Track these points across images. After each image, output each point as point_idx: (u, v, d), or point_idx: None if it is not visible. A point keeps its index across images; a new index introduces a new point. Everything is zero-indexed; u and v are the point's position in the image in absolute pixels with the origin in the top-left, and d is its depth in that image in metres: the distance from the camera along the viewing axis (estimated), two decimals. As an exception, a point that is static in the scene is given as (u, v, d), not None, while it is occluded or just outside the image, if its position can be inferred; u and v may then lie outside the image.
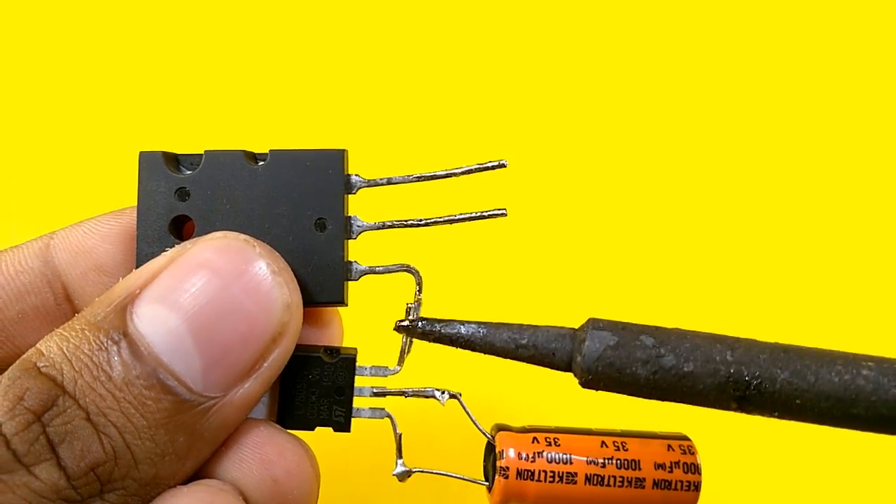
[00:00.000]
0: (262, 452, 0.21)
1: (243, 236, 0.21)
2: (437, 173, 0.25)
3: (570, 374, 0.24)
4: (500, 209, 0.25)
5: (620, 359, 0.23)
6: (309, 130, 0.42)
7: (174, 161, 0.25)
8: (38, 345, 0.18)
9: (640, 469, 0.24)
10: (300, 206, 0.24)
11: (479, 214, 0.25)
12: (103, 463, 0.17)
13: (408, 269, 0.26)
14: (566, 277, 0.39)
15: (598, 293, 0.38)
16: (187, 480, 0.21)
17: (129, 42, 0.44)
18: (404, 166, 0.31)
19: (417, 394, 0.26)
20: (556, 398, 0.33)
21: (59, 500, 0.17)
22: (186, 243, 0.21)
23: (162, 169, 0.24)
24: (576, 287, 0.38)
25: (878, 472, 0.31)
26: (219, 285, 0.19)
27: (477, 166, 0.25)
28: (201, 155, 0.25)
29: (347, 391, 0.25)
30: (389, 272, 0.26)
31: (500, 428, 0.25)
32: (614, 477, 0.24)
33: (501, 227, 0.32)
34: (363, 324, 0.30)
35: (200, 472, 0.22)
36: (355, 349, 0.26)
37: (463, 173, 0.25)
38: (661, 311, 0.37)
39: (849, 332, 0.35)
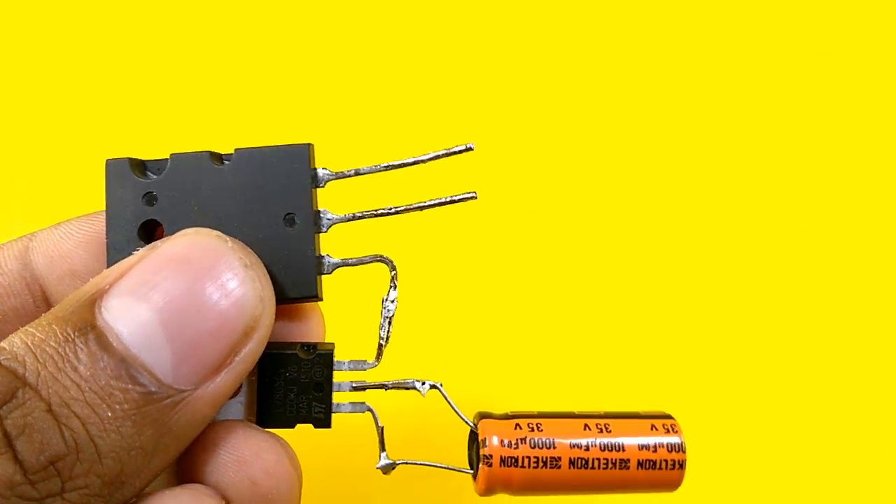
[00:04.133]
0: (238, 453, 0.21)
1: (215, 232, 0.21)
2: (405, 161, 0.25)
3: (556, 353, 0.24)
4: (470, 193, 0.24)
5: None
6: (277, 127, 0.42)
7: (140, 167, 0.25)
8: (2, 342, 0.18)
9: (623, 450, 0.24)
10: (268, 203, 0.24)
11: (449, 199, 0.25)
12: (64, 456, 0.17)
13: (381, 259, 0.25)
14: (539, 258, 0.38)
15: (571, 276, 0.38)
16: (163, 484, 0.20)
17: (111, 45, 0.44)
18: (373, 157, 0.31)
19: (397, 386, 0.25)
20: (538, 383, 0.33)
21: (14, 496, 0.16)
22: (157, 242, 0.20)
23: (129, 175, 0.24)
24: (548, 268, 0.38)
25: (865, 458, 0.31)
26: (190, 278, 0.18)
27: (444, 151, 0.24)
28: (167, 159, 0.24)
29: (326, 387, 0.25)
30: (363, 263, 0.25)
31: (483, 416, 0.25)
32: (598, 459, 0.24)
33: (474, 212, 0.32)
34: (340, 317, 0.30)
35: (181, 478, 0.22)
36: (332, 344, 0.26)
37: (431, 159, 0.25)
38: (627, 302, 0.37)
39: (850, 336, 0.34)
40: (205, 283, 0.19)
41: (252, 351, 0.20)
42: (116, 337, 0.17)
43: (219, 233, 0.20)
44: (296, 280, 0.24)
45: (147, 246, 0.20)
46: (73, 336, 0.17)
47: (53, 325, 0.17)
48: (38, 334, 0.17)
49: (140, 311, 0.18)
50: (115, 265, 0.19)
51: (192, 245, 0.19)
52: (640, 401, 0.29)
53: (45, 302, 0.24)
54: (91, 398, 0.17)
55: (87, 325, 0.17)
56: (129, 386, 0.17)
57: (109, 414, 0.17)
